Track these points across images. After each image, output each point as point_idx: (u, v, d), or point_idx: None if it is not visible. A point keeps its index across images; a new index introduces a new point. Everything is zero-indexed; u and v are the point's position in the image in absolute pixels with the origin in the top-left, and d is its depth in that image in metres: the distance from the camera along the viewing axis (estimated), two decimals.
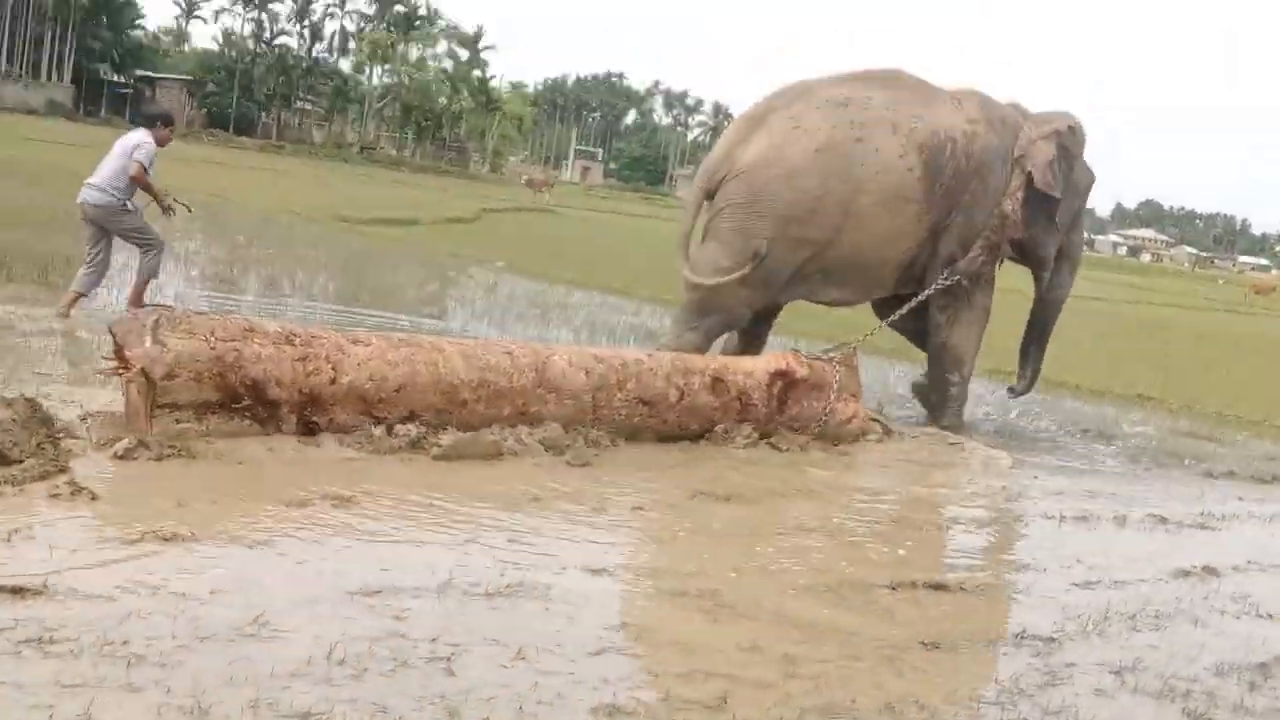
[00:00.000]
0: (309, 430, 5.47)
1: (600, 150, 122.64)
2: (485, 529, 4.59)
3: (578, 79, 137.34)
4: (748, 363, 7.28)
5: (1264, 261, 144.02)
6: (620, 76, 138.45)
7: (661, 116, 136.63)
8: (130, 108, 63.86)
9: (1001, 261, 8.67)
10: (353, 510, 4.59)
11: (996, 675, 3.82)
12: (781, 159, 7.69)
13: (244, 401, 5.29)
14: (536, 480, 5.44)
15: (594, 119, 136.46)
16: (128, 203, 8.49)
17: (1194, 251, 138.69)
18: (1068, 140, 8.59)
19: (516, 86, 73.33)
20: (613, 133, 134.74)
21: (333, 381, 5.47)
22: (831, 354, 7.52)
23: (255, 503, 4.54)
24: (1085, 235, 9.25)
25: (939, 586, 4.66)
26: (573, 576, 4.17)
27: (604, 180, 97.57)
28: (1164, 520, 6.56)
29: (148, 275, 8.71)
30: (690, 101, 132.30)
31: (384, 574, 3.89)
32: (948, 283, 8.19)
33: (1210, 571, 5.51)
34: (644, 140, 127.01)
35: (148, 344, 5.07)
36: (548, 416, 6.10)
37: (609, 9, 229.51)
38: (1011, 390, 9.39)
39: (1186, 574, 5.44)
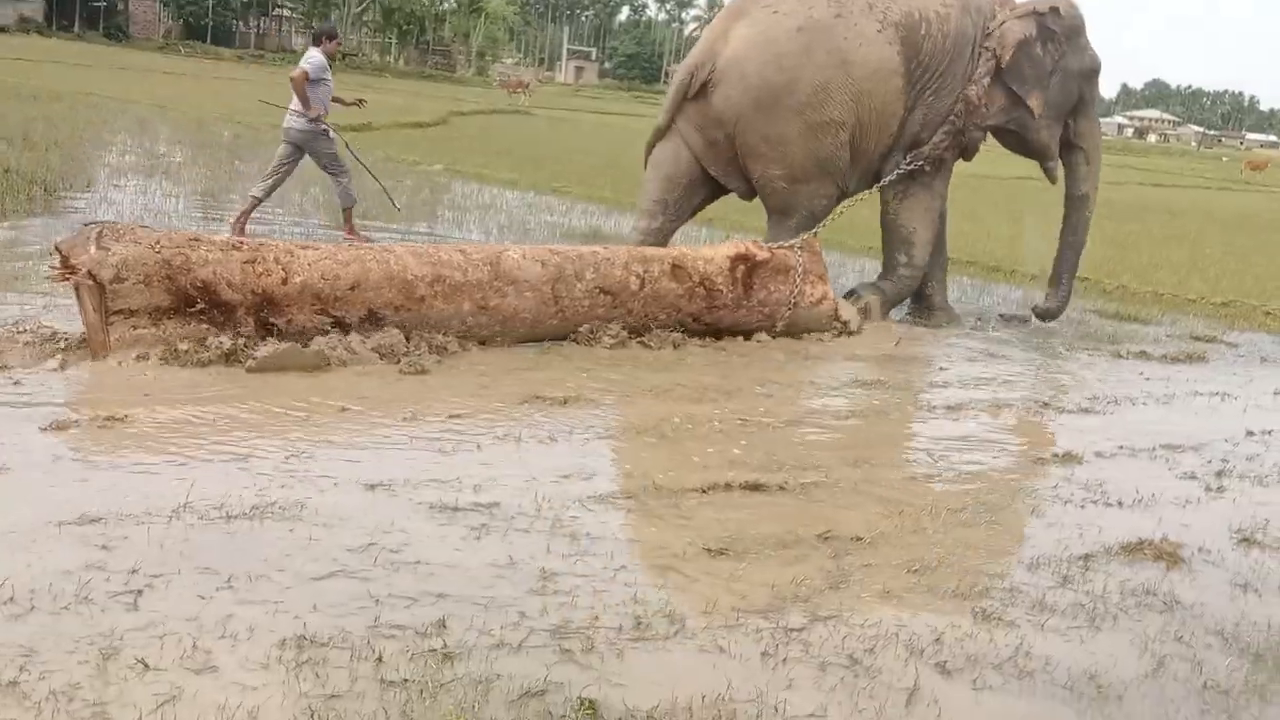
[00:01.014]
0: (268, 332, 5.51)
1: (594, 50, 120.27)
2: (265, 447, 4.31)
3: None
4: (707, 250, 7.25)
5: (1272, 138, 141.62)
6: None
7: (655, 12, 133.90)
8: (104, 20, 62.56)
9: (970, 152, 8.38)
10: (122, 431, 4.32)
11: (775, 581, 3.56)
12: (766, 44, 7.63)
13: (198, 305, 5.35)
14: (357, 391, 5.16)
15: (587, 18, 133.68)
16: (328, 130, 9.16)
17: (1201, 130, 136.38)
18: (1051, 21, 8.23)
19: None
20: (606, 31, 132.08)
21: (284, 281, 5.54)
22: (791, 242, 7.40)
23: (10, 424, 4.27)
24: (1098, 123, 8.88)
25: (755, 487, 4.39)
26: (339, 494, 3.90)
27: (599, 80, 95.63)
28: (1047, 406, 6.30)
29: (349, 202, 9.42)
30: None
31: (116, 500, 3.62)
32: (910, 167, 8.04)
33: (1070, 458, 5.24)
34: (638, 38, 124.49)
35: (93, 250, 5.15)
36: (510, 311, 6.15)
37: None
38: (1035, 309, 8.91)
39: (1042, 462, 5.17)
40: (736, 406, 5.55)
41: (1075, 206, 8.85)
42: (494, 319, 6.13)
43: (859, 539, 4.00)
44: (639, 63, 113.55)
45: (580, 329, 6.46)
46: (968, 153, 8.40)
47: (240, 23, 71.39)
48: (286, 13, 73.39)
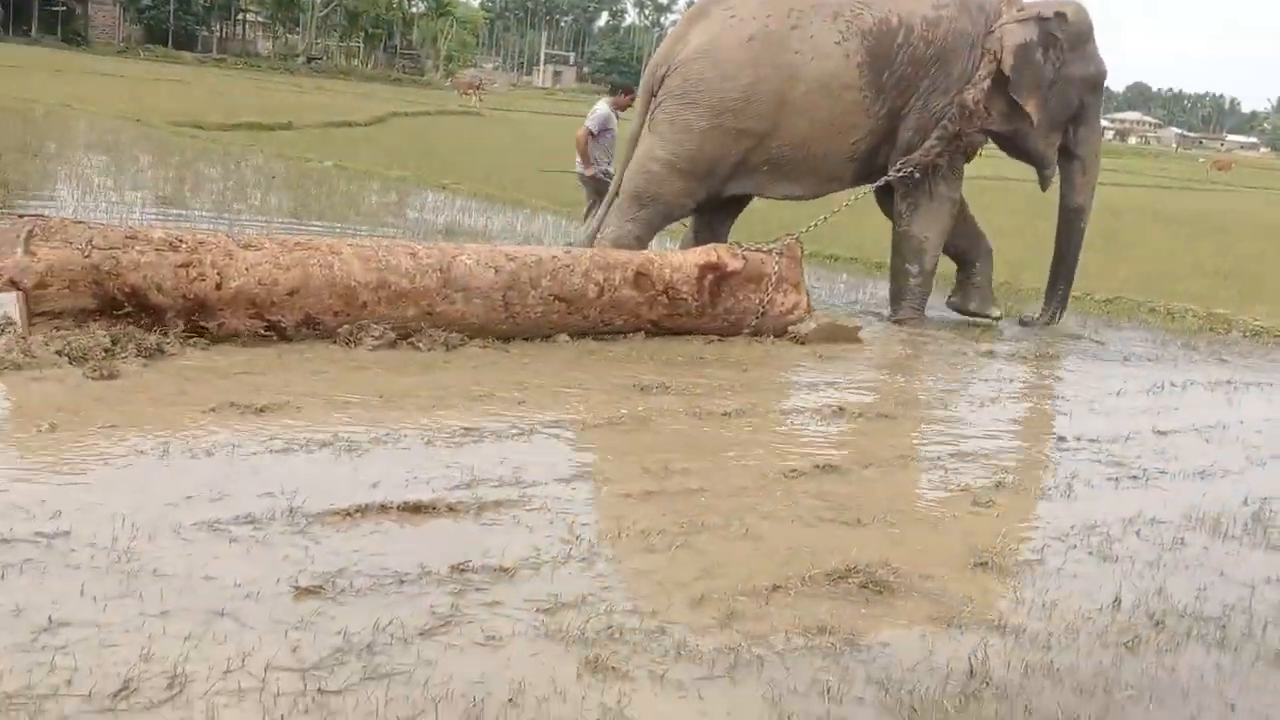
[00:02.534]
0: (199, 335, 5.52)
1: (572, 54, 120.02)
2: None
3: None
4: (676, 256, 7.13)
5: (1253, 139, 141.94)
6: None
7: (634, 17, 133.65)
8: (62, 26, 61.79)
9: (970, 154, 8.18)
10: None
11: (353, 627, 2.94)
12: (715, 48, 7.51)
13: (125, 308, 5.35)
14: (28, 400, 4.54)
15: (566, 23, 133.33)
16: (601, 171, 9.46)
17: (1181, 132, 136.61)
18: (1055, 26, 7.89)
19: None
20: (586, 36, 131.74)
21: (218, 287, 5.53)
22: (772, 246, 7.24)
23: None
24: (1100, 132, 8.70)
25: (418, 509, 3.76)
26: None
27: (578, 84, 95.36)
28: (841, 411, 5.66)
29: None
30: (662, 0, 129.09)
31: None
32: (900, 173, 7.80)
33: (828, 469, 4.64)
34: (616, 42, 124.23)
35: (19, 255, 5.16)
36: (457, 316, 6.10)
37: None
38: (1023, 321, 8.68)
39: (791, 474, 4.54)
40: (469, 414, 4.92)
41: (1069, 219, 8.63)
42: (439, 324, 6.07)
43: (504, 569, 3.38)
44: (618, 66, 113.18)
45: (340, 330, 5.87)
46: (970, 156, 8.21)
47: (203, 27, 70.48)
48: (251, 17, 72.72)
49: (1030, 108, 7.84)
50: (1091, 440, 5.49)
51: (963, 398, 6.33)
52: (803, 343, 7.09)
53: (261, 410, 4.64)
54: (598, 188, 9.40)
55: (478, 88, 43.80)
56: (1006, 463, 5.08)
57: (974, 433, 5.54)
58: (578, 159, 9.63)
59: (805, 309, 7.25)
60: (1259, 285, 11.63)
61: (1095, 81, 8.30)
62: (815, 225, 7.91)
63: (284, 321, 5.68)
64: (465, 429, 4.70)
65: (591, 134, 9.43)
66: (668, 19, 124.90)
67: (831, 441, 5.18)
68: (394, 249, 6.18)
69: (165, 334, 5.40)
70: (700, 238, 8.08)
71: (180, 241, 5.57)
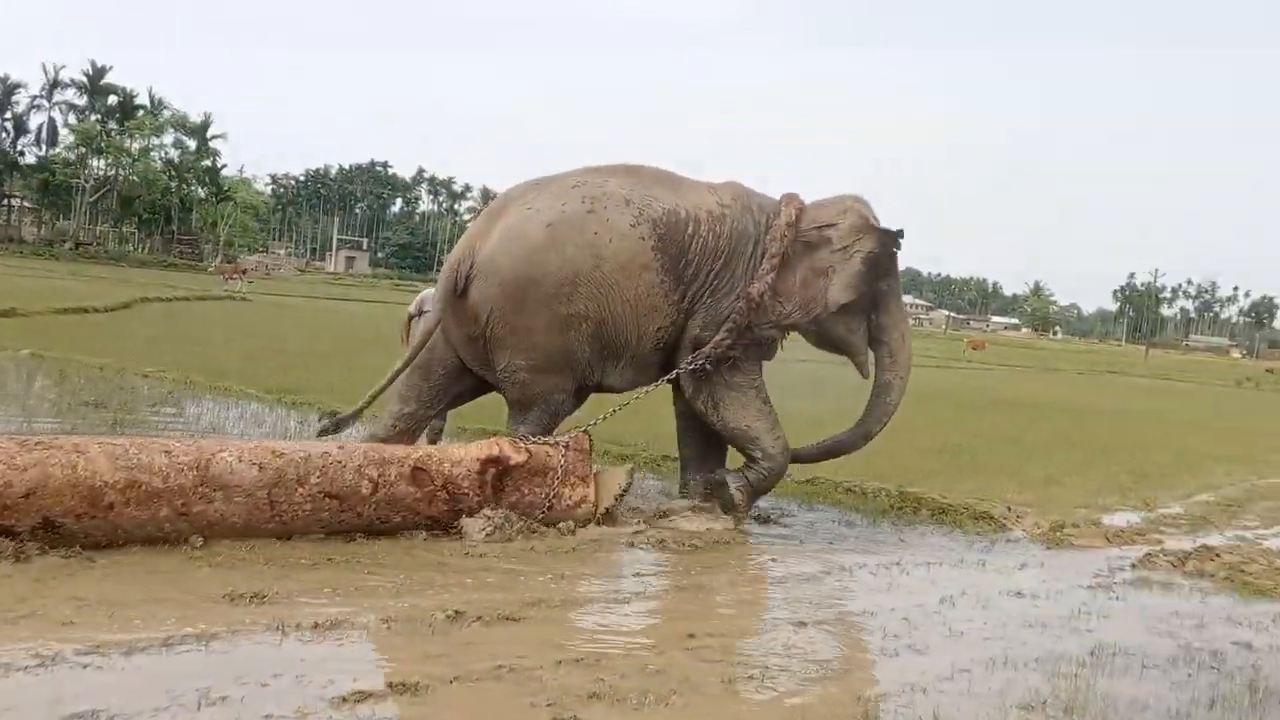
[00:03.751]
0: None
1: (365, 239, 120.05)
2: None
3: (340, 169, 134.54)
4: (457, 450, 6.94)
5: (1014, 320, 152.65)
6: (385, 165, 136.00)
7: (428, 203, 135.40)
8: None
9: (767, 351, 8.24)
10: None
11: None
12: (519, 239, 7.62)
13: None
14: None
15: (361, 209, 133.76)
16: None
17: (950, 314, 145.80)
18: (833, 232, 8.04)
19: (244, 181, 70.24)
20: (380, 221, 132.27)
21: None
22: (560, 438, 7.22)
23: None
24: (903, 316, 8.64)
25: None
26: None
27: (371, 269, 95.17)
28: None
29: None
30: (457, 187, 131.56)
31: None
32: (690, 366, 7.83)
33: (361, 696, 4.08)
34: (411, 228, 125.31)
35: None
36: (216, 517, 5.88)
37: (371, 103, 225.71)
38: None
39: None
40: None
41: (876, 392, 8.51)
42: (196, 525, 5.85)
43: None
44: (411, 252, 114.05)
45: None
46: (766, 351, 8.23)
47: None
48: (16, 202, 69.95)
49: (817, 305, 7.99)
50: (719, 636, 5.13)
51: (603, 595, 5.89)
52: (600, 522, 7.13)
53: None
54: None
55: (244, 273, 42.87)
56: (613, 666, 4.63)
57: (602, 633, 5.11)
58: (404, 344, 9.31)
59: (592, 503, 7.12)
60: (974, 462, 11.88)
61: (884, 269, 8.25)
62: (604, 418, 7.86)
63: (18, 525, 5.38)
64: None
65: (412, 316, 9.34)
66: (461, 205, 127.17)
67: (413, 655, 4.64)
68: (147, 446, 5.96)
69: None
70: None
71: None
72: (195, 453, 5.96)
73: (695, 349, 7.86)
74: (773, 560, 7.03)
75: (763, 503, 8.56)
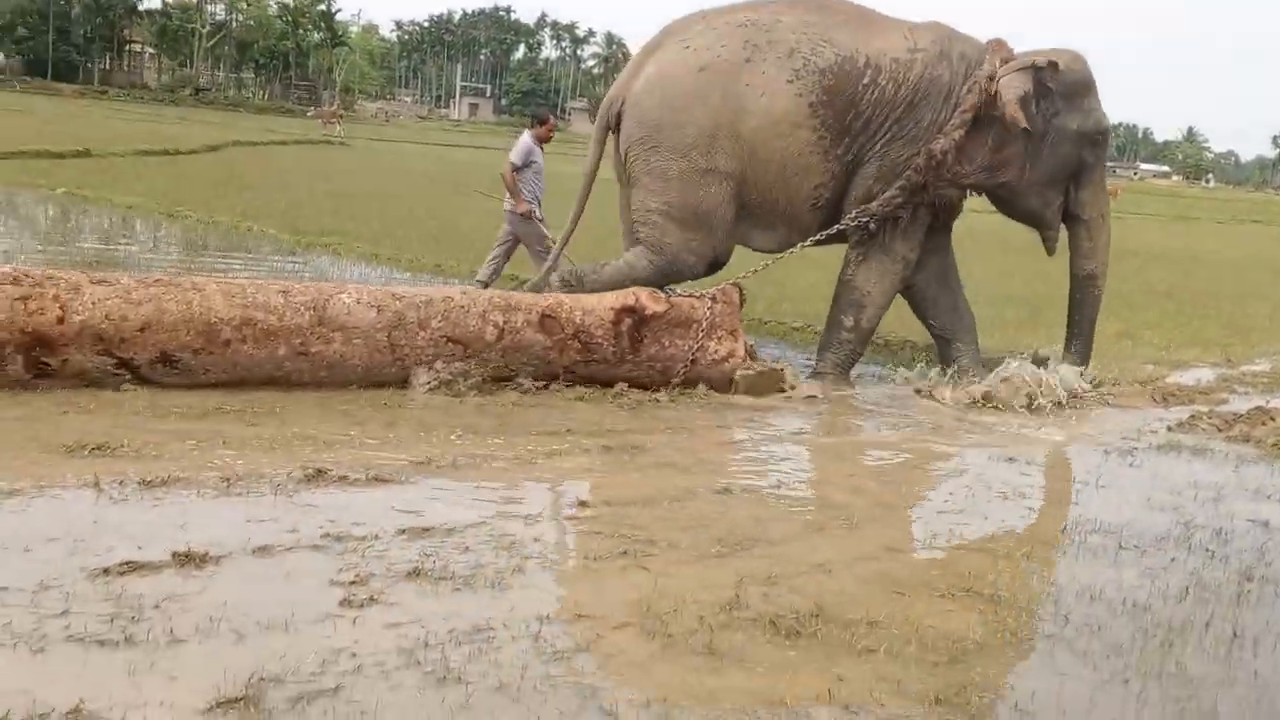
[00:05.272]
0: (40, 372, 5.35)
1: (489, 86, 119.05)
2: None
3: (464, 14, 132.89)
4: (590, 299, 6.65)
5: (1165, 168, 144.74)
6: (508, 10, 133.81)
7: (551, 49, 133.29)
8: None
9: (946, 212, 7.49)
10: None
11: None
12: (664, 83, 7.08)
13: None
14: None
15: (484, 55, 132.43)
16: (532, 210, 8.80)
17: None
18: (1048, 76, 7.12)
19: (363, 27, 69.44)
20: (503, 68, 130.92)
21: (60, 321, 5.36)
22: (707, 290, 6.82)
23: None
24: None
25: None
26: None
27: (495, 116, 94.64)
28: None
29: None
30: (580, 33, 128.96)
31: None
32: (854, 222, 7.13)
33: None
34: (534, 75, 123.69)
35: None
36: (335, 358, 5.91)
37: None
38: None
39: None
40: None
41: (1079, 286, 7.80)
42: (317, 365, 5.89)
43: None
44: (534, 99, 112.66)
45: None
46: (945, 212, 7.47)
47: (85, 58, 68.31)
48: (137, 48, 70.79)
49: (1028, 164, 7.21)
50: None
51: (507, 456, 5.20)
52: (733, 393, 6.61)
53: None
54: (513, 223, 8.93)
55: (340, 117, 42.62)
56: (461, 539, 3.96)
57: (477, 501, 4.45)
58: (505, 195, 8.97)
59: (743, 357, 6.73)
60: (1048, 313, 10.81)
61: (1095, 136, 7.43)
62: (756, 271, 7.42)
63: (136, 359, 5.51)
64: None
65: (516, 167, 8.86)
66: (585, 51, 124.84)
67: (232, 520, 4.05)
68: (265, 286, 5.99)
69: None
70: None
71: (26, 275, 5.46)
72: (313, 293, 5.98)
73: (863, 204, 7.12)
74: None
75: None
